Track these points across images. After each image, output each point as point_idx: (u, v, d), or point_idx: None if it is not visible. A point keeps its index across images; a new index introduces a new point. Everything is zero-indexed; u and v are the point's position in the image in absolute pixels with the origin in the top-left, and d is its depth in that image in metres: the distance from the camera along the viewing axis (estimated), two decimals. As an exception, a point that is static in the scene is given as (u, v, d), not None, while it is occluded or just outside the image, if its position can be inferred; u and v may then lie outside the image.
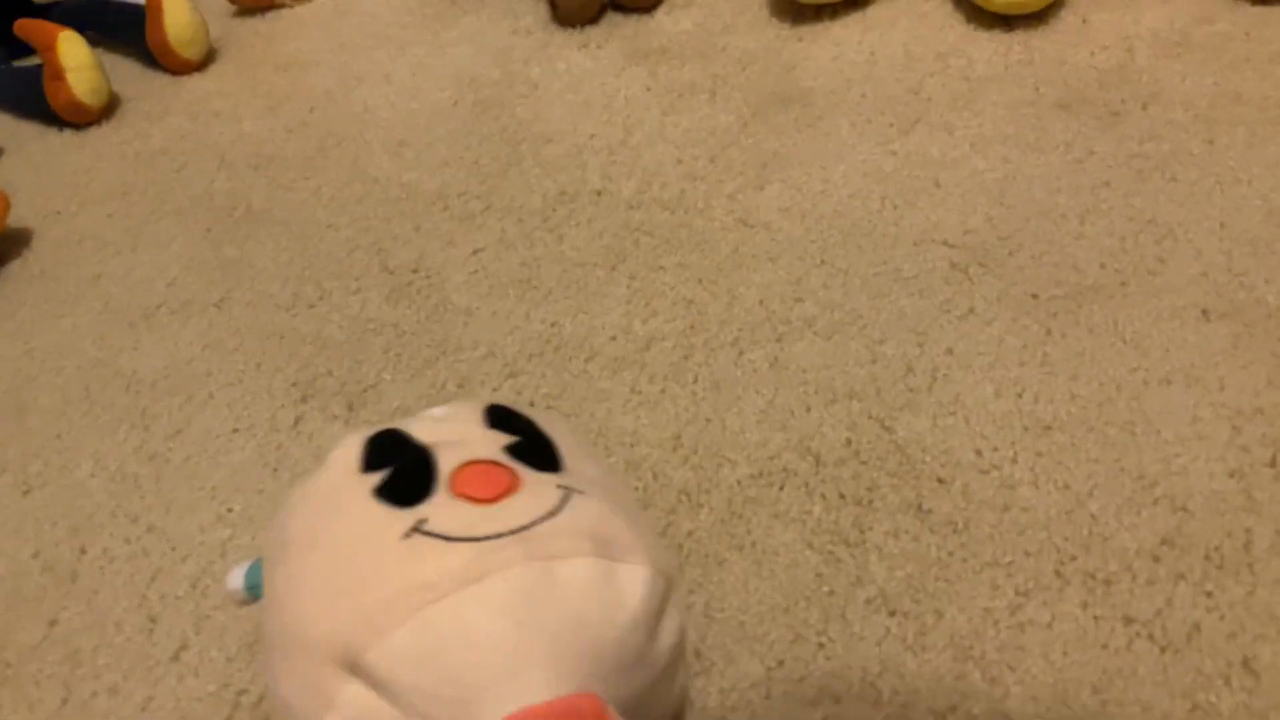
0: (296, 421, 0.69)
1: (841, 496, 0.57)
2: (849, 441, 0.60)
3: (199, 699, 0.54)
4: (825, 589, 0.53)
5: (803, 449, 0.60)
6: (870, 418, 0.61)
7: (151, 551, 0.62)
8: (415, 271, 0.78)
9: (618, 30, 1.00)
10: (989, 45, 0.89)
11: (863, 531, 0.55)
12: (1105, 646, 0.49)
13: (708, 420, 0.63)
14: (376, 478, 0.39)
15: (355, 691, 0.35)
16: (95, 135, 1.02)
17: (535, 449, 0.41)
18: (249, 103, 1.02)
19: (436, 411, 0.44)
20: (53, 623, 0.60)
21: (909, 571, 0.53)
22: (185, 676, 0.55)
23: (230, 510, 0.64)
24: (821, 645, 0.51)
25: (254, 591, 0.49)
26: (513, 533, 0.36)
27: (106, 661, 0.57)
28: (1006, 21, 0.90)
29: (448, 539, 0.36)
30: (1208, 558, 0.52)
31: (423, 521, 0.37)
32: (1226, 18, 0.87)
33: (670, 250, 0.75)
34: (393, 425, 0.42)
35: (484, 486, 0.38)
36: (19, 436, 0.71)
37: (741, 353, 0.66)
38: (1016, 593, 0.51)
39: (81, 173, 0.97)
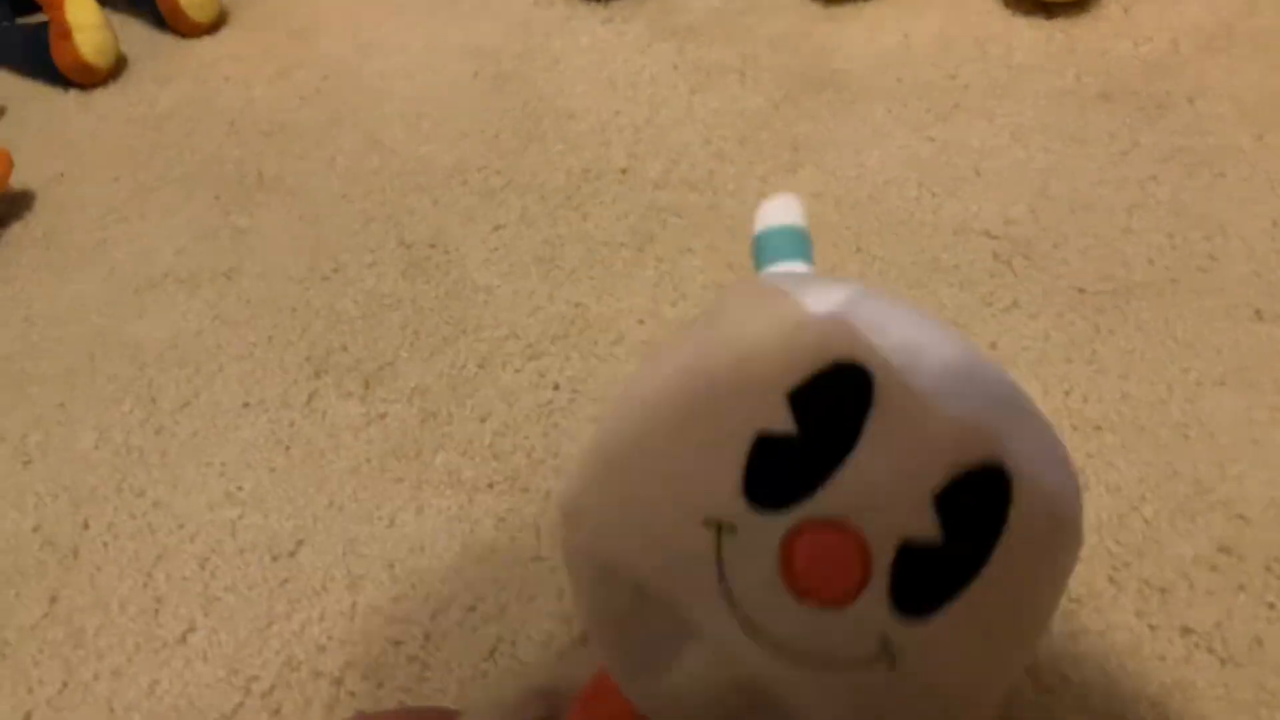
0: (310, 398, 0.66)
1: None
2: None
3: (207, 685, 0.52)
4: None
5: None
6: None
7: (158, 529, 0.60)
8: (433, 246, 0.76)
9: (643, 7, 0.97)
10: (1028, 33, 0.86)
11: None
12: (1163, 658, 0.47)
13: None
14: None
15: None
16: (101, 97, 0.99)
17: (939, 565, 0.27)
18: (260, 69, 0.99)
19: (923, 374, 0.28)
20: (53, 600, 0.57)
21: (955, 573, 0.51)
22: (193, 660, 0.53)
23: (240, 489, 0.61)
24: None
25: None
26: (780, 646, 0.27)
27: (110, 642, 0.54)
28: (1046, 9, 0.88)
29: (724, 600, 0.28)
30: (1268, 568, 0.50)
31: (729, 532, 0.27)
32: (1269, 11, 0.85)
33: (699, 232, 0.73)
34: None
35: (814, 574, 0.27)
36: (19, 406, 0.69)
37: (775, 340, 0.64)
38: (1069, 599, 0.49)
39: (86, 135, 0.94)
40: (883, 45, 0.88)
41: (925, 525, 0.27)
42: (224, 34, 1.05)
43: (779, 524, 0.27)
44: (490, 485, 0.59)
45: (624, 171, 0.79)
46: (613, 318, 0.68)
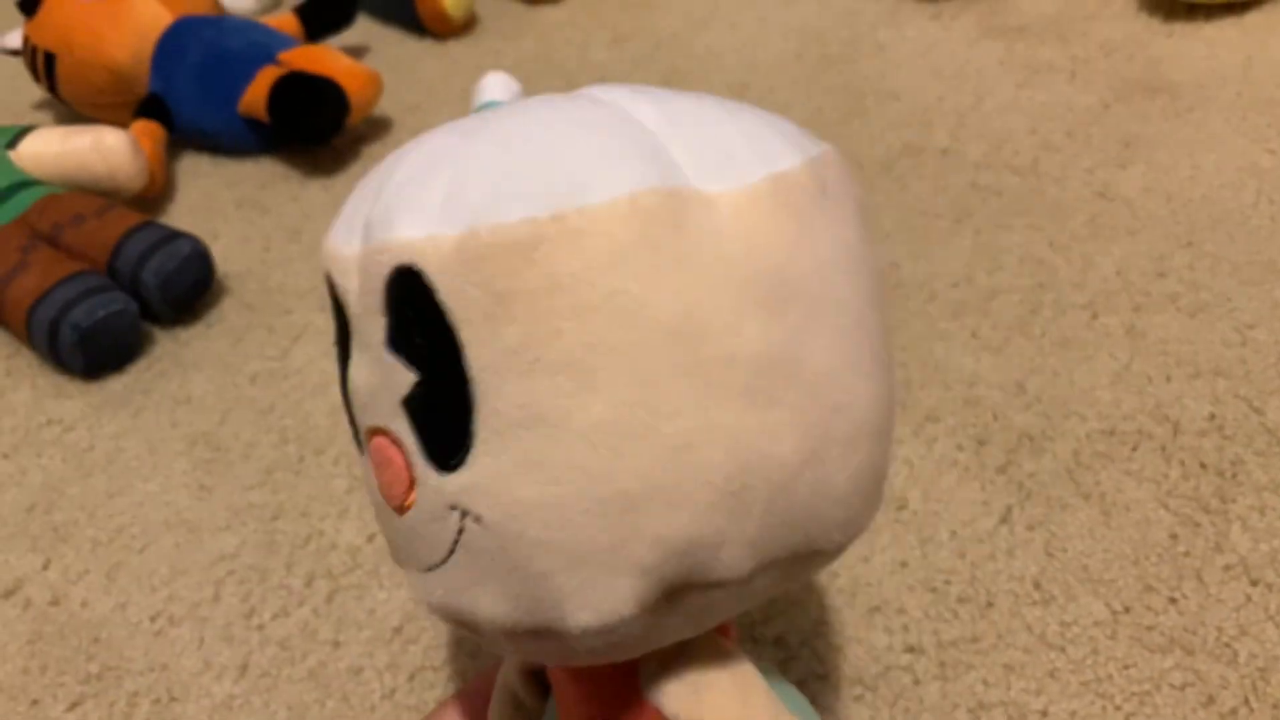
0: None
1: (1202, 466, 0.54)
2: (1212, 416, 0.57)
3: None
4: (1181, 549, 0.51)
5: (1160, 415, 0.57)
6: (1237, 396, 0.58)
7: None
8: (752, 200, 0.80)
9: (973, 5, 0.99)
10: (1390, 59, 0.83)
11: (1225, 502, 0.52)
12: None
13: (1055, 373, 0.61)
14: None
15: None
16: (452, 46, 1.09)
17: (433, 406, 0.27)
18: (597, 35, 1.07)
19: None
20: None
21: (1275, 546, 0.50)
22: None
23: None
24: (1174, 600, 0.49)
25: None
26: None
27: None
28: None
29: None
30: None
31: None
32: None
33: (1020, 212, 0.74)
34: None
35: (385, 476, 0.29)
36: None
37: (1095, 316, 0.64)
38: None
39: (438, 77, 1.04)
40: (1223, 62, 0.86)
41: (395, 364, 0.27)
42: (567, 3, 1.13)
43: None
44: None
45: (945, 151, 0.81)
46: (925, 279, 0.69)
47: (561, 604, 0.27)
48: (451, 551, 0.28)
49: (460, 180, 0.26)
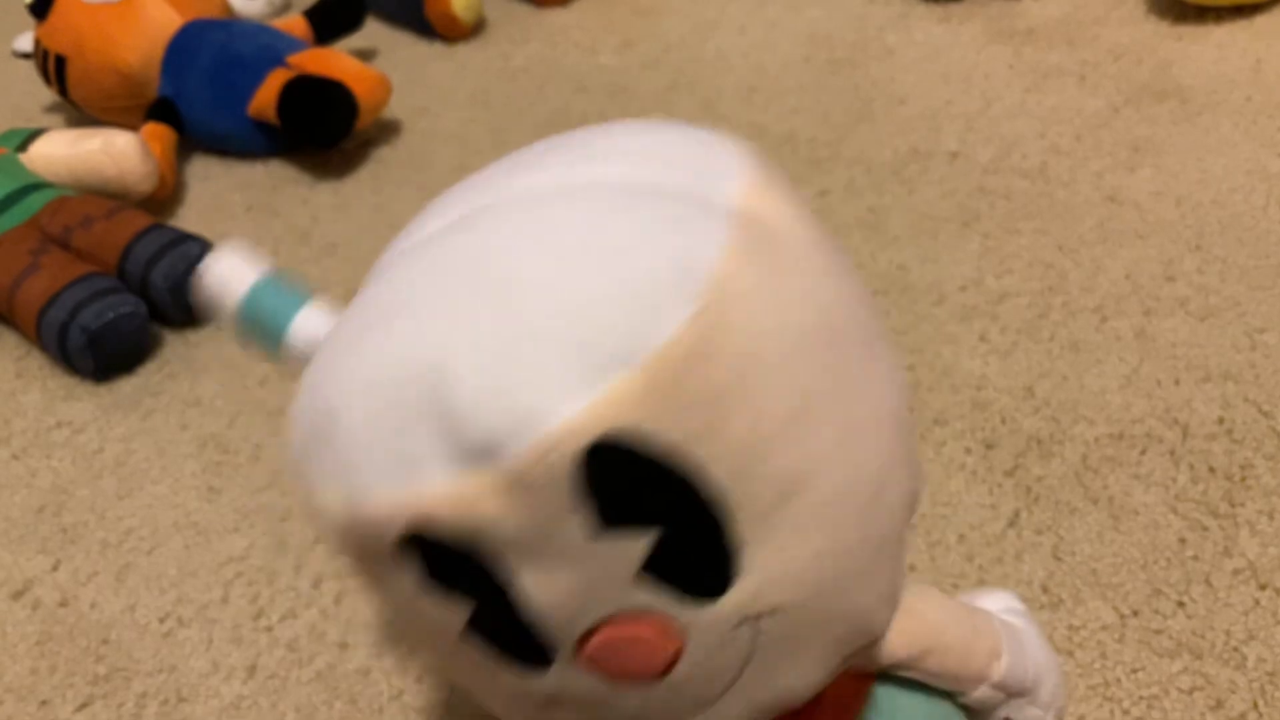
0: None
1: (1211, 470, 0.54)
2: (1221, 420, 0.57)
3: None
4: (1189, 553, 0.51)
5: (1169, 419, 0.57)
6: (1246, 400, 0.58)
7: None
8: (760, 203, 0.80)
9: (982, 10, 0.99)
10: (1400, 63, 0.83)
11: (1234, 506, 0.52)
12: None
13: (1064, 377, 0.61)
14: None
15: None
16: (462, 50, 1.09)
17: (686, 544, 0.26)
18: (606, 39, 1.07)
19: None
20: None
21: (1286, 553, 0.50)
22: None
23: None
24: (1182, 604, 0.49)
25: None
26: None
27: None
28: None
29: None
30: None
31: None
32: None
33: (1029, 216, 0.74)
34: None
35: (631, 661, 0.27)
36: (382, 292, 0.77)
37: (1104, 320, 0.64)
38: None
39: (447, 80, 1.04)
40: (1232, 65, 0.86)
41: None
42: (576, 7, 1.14)
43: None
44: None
45: (954, 155, 0.81)
46: (934, 281, 0.69)
47: (870, 620, 0.30)
48: (744, 666, 0.28)
49: (560, 335, 0.24)
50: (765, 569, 0.27)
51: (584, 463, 0.24)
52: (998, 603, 0.40)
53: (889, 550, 0.30)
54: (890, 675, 0.34)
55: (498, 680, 0.29)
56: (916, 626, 0.33)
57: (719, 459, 0.25)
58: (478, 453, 0.24)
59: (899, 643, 0.33)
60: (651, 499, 0.25)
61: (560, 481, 0.24)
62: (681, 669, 0.27)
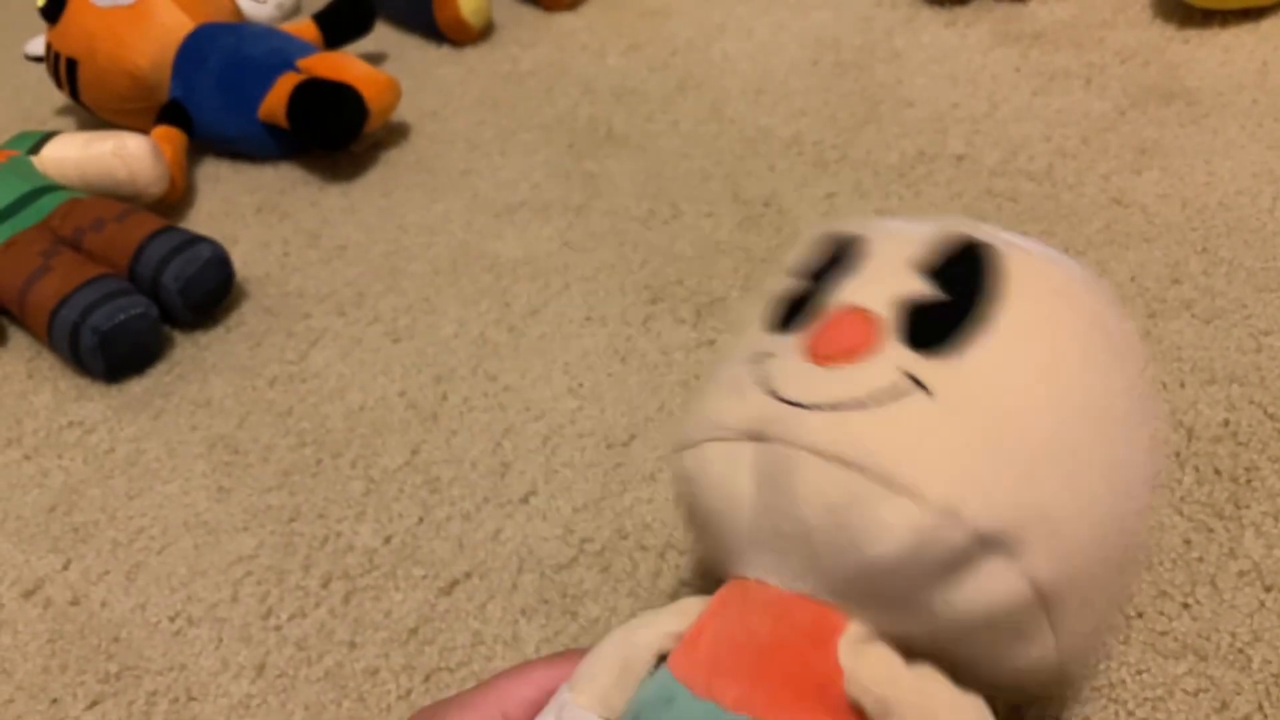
0: (646, 320, 0.71)
1: (1216, 472, 0.54)
2: (1227, 422, 0.57)
3: (544, 539, 0.57)
4: (1194, 555, 0.51)
5: (1174, 421, 0.57)
6: (1252, 403, 0.58)
7: (507, 407, 0.66)
8: (767, 205, 0.80)
9: (988, 13, 0.99)
10: None
11: (1239, 508, 0.52)
12: None
13: (1069, 379, 0.61)
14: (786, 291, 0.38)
15: None
16: (470, 53, 1.10)
17: (948, 316, 0.34)
18: (613, 42, 1.07)
19: (892, 225, 0.39)
20: (414, 451, 0.64)
21: (1291, 555, 0.50)
22: (533, 518, 0.59)
23: (580, 385, 0.67)
24: (1187, 605, 0.49)
25: None
26: (803, 406, 0.33)
27: (461, 492, 0.61)
28: None
29: (758, 385, 0.35)
30: None
31: (765, 357, 0.36)
32: None
33: (1035, 219, 0.74)
34: (850, 229, 0.39)
35: (825, 341, 0.34)
36: (391, 294, 0.77)
37: (1110, 322, 0.64)
38: None
39: (456, 83, 1.05)
40: (1239, 68, 0.86)
41: (918, 287, 0.34)
42: (583, 10, 1.14)
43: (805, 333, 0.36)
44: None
45: (960, 157, 0.81)
46: (941, 285, 0.70)
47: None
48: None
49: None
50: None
51: None
52: None
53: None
54: None
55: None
56: (898, 677, 0.32)
57: None
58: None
59: (870, 679, 0.32)
60: None
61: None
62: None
